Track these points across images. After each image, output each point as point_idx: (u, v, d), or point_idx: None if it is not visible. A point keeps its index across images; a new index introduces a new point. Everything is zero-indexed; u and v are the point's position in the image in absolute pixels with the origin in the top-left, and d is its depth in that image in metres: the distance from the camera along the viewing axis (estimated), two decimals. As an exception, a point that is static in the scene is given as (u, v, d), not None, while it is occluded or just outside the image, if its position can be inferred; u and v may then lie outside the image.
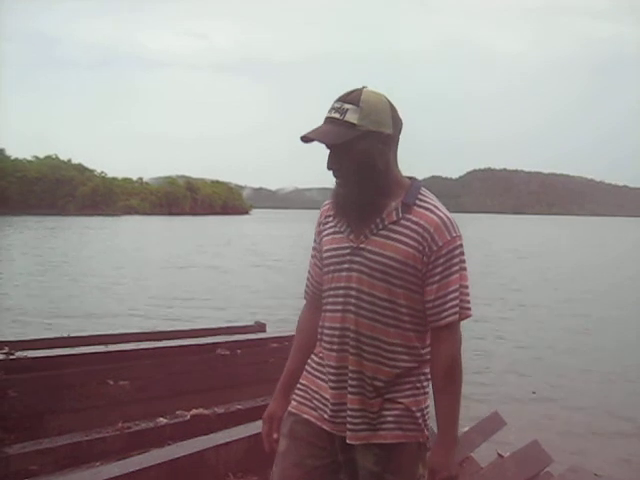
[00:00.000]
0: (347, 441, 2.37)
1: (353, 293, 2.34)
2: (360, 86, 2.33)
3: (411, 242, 2.27)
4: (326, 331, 2.42)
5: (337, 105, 2.28)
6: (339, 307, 2.37)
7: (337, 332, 2.36)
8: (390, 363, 2.33)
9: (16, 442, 4.16)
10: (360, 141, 2.25)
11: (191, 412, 4.77)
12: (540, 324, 16.57)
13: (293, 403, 2.52)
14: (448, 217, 2.31)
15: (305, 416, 2.46)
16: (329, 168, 2.33)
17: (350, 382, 2.35)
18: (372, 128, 2.25)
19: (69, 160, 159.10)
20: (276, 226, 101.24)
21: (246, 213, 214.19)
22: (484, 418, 5.13)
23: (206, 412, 4.80)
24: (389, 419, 2.36)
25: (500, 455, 4.91)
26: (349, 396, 2.36)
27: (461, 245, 2.32)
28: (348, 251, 2.35)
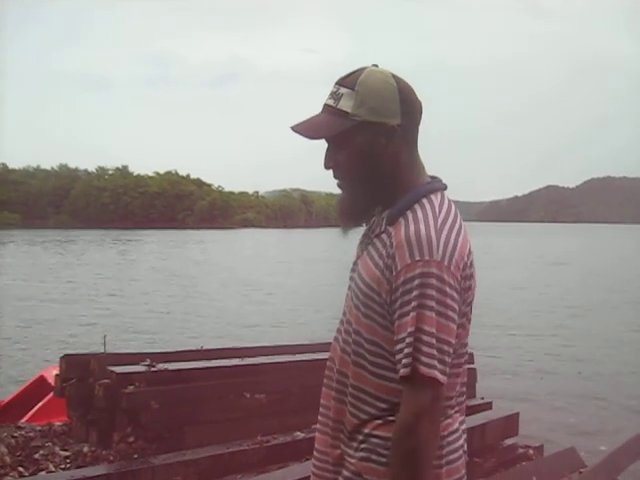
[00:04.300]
0: None
1: (342, 318, 1.93)
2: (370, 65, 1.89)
3: (380, 262, 1.77)
4: None
5: (334, 89, 1.85)
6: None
7: (328, 363, 1.97)
8: (352, 410, 1.83)
9: (157, 452, 4.25)
10: (357, 134, 1.81)
11: (327, 427, 4.75)
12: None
13: None
14: (420, 233, 1.70)
15: None
16: (325, 167, 1.90)
17: (320, 418, 1.95)
18: (370, 118, 1.80)
19: (188, 175, 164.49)
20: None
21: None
22: (630, 439, 4.91)
23: (341, 427, 4.78)
24: None
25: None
26: (316, 434, 1.96)
27: (427, 274, 1.66)
28: (352, 268, 1.95)
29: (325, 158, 1.89)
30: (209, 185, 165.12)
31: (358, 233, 1.96)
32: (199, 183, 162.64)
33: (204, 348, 5.67)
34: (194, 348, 5.92)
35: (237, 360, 5.12)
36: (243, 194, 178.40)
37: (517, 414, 5.45)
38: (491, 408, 5.63)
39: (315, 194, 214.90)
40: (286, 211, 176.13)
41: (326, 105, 1.86)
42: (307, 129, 1.84)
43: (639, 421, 8.71)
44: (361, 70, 1.84)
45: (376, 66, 1.88)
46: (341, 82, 1.85)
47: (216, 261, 43.32)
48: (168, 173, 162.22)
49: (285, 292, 25.35)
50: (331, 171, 1.91)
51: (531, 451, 5.40)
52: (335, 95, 1.84)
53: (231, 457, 4.28)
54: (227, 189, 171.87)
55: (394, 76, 1.85)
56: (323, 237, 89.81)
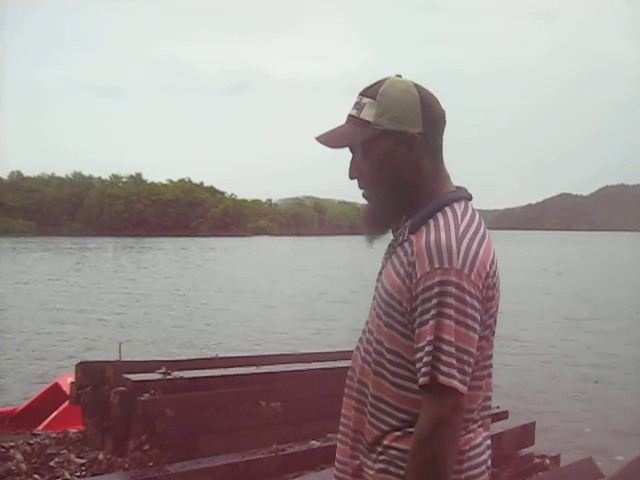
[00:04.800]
0: None
1: (364, 327, 1.92)
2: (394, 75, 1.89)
3: (401, 270, 1.76)
4: None
5: (357, 99, 1.87)
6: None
7: (349, 373, 1.96)
8: (372, 420, 1.80)
9: (173, 460, 4.24)
10: (378, 143, 1.82)
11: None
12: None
13: None
14: (440, 241, 1.69)
15: None
16: (350, 177, 1.91)
17: (340, 428, 1.93)
18: (391, 127, 1.81)
19: (201, 183, 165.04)
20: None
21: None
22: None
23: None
24: None
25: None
26: (337, 444, 1.94)
27: (446, 283, 1.64)
28: (377, 278, 1.93)
29: (349, 168, 1.90)
30: (222, 193, 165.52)
31: (379, 242, 1.96)
32: (212, 191, 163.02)
33: (219, 356, 5.67)
34: (209, 356, 5.92)
35: (252, 368, 5.12)
36: (256, 202, 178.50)
37: (533, 423, 5.42)
38: (507, 417, 5.60)
39: (328, 202, 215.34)
40: (299, 219, 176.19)
41: (349, 115, 1.87)
42: (330, 139, 1.86)
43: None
44: (383, 80, 1.86)
45: (399, 76, 1.89)
46: (364, 92, 1.86)
47: (229, 269, 43.38)
48: (181, 181, 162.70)
49: (299, 300, 25.35)
50: (355, 181, 1.91)
51: (547, 461, 5.36)
52: (358, 105, 1.85)
53: (247, 466, 4.26)
54: (240, 197, 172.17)
55: (416, 86, 1.86)
56: (336, 245, 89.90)
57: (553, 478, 4.63)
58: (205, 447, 4.47)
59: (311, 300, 25.43)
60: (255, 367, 5.15)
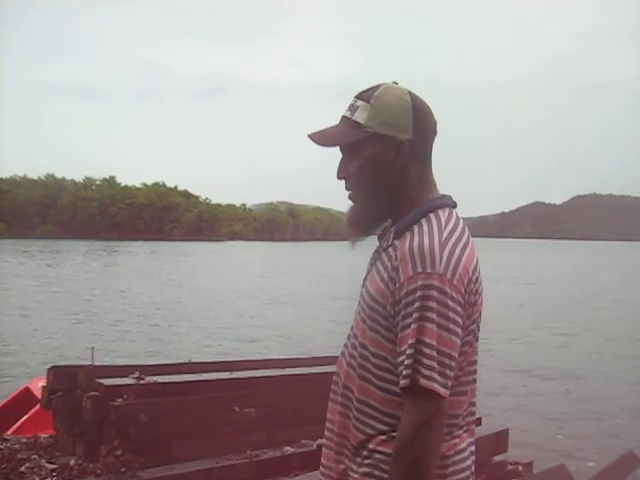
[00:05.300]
0: None
1: (349, 332, 1.94)
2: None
3: (385, 275, 1.78)
4: None
5: (352, 101, 1.90)
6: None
7: (334, 378, 1.97)
8: (357, 424, 1.81)
9: (145, 466, 4.21)
10: (367, 145, 1.85)
11: (317, 442, 4.72)
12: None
13: None
14: (423, 246, 1.71)
15: None
16: (338, 177, 1.93)
17: (326, 433, 1.93)
18: (381, 131, 1.84)
19: (175, 187, 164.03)
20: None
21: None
22: (619, 457, 4.89)
23: (331, 442, 4.75)
24: None
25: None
26: (323, 448, 1.94)
27: (429, 287, 1.66)
28: (362, 284, 1.93)
29: (338, 168, 1.93)
30: (196, 197, 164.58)
31: (359, 247, 1.98)
32: (186, 195, 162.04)
33: (193, 361, 5.64)
34: (183, 361, 5.89)
35: (226, 374, 5.10)
36: (230, 206, 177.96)
37: (507, 430, 5.45)
38: (480, 424, 5.61)
39: (302, 207, 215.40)
40: (273, 224, 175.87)
41: (343, 116, 1.91)
42: (321, 137, 1.90)
43: (629, 437, 8.71)
44: (379, 85, 1.89)
45: (396, 83, 1.92)
46: (359, 95, 1.90)
47: (203, 274, 43.26)
48: (155, 184, 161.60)
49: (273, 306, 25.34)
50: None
51: (520, 468, 5.39)
52: (352, 107, 1.89)
53: (221, 472, 4.25)
54: (214, 201, 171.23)
55: (411, 93, 1.89)
56: (310, 251, 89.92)
57: (526, 485, 4.65)
58: (178, 453, 4.45)
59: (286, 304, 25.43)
60: (229, 373, 5.13)
